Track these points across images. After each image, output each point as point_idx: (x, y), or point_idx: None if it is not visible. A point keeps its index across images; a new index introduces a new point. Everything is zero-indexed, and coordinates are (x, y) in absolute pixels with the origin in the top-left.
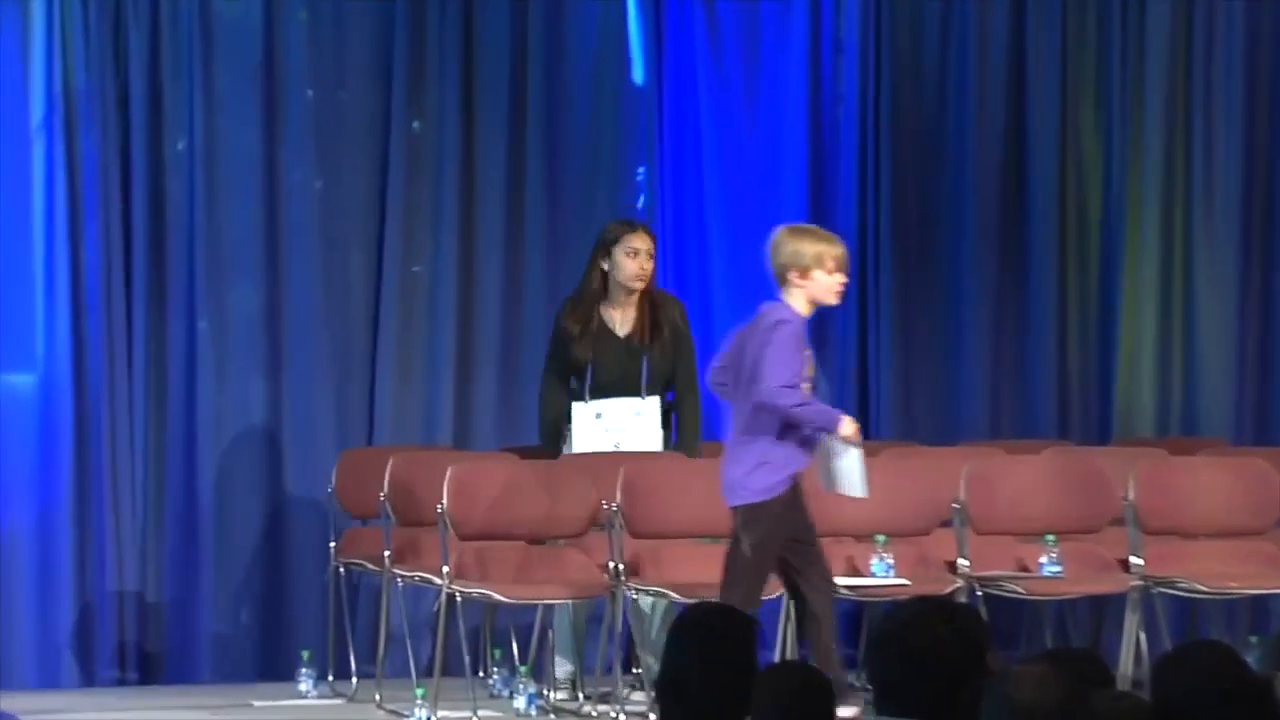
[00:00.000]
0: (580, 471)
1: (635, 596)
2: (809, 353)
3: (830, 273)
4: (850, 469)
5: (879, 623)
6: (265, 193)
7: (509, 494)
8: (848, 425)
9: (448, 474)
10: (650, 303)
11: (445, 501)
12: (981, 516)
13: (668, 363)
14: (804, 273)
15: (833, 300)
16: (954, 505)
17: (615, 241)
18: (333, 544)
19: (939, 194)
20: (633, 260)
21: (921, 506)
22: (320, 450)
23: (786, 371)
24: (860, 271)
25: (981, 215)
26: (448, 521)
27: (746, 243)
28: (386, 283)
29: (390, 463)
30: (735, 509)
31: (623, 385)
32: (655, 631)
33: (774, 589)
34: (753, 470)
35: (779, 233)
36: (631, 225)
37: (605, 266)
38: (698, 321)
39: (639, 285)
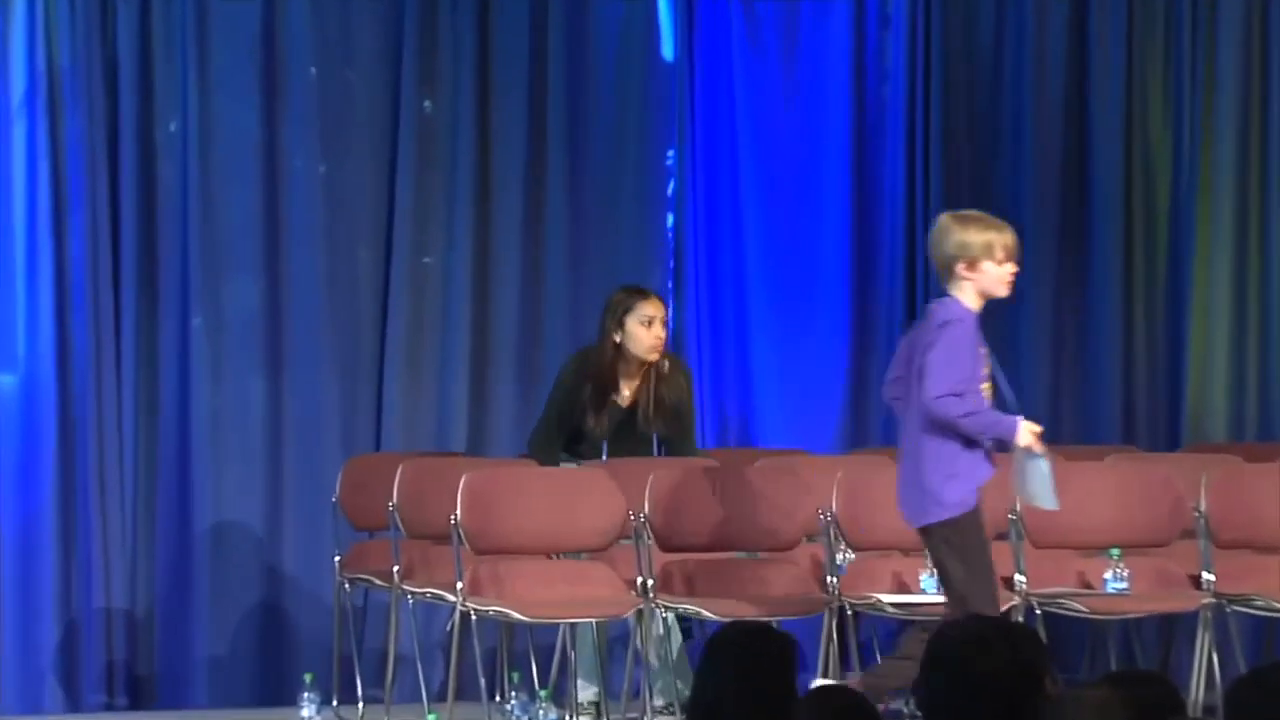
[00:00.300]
0: (605, 480)
1: (665, 614)
2: (985, 350)
3: (1000, 263)
4: (1036, 479)
5: (930, 643)
6: (264, 179)
7: (528, 504)
8: (1025, 433)
9: (461, 483)
10: (656, 374)
11: (459, 512)
12: (1040, 528)
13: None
14: (972, 264)
15: (1003, 292)
16: (1010, 516)
17: (628, 311)
18: (337, 558)
19: (993, 181)
20: (648, 330)
21: None
22: (324, 457)
23: (952, 376)
24: (909, 265)
25: (1040, 205)
26: (461, 534)
27: (783, 232)
28: (395, 276)
29: (399, 470)
30: (928, 529)
31: (628, 455)
32: (676, 652)
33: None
34: (942, 485)
35: (943, 221)
36: (643, 293)
37: (617, 338)
38: (732, 316)
39: (655, 356)
